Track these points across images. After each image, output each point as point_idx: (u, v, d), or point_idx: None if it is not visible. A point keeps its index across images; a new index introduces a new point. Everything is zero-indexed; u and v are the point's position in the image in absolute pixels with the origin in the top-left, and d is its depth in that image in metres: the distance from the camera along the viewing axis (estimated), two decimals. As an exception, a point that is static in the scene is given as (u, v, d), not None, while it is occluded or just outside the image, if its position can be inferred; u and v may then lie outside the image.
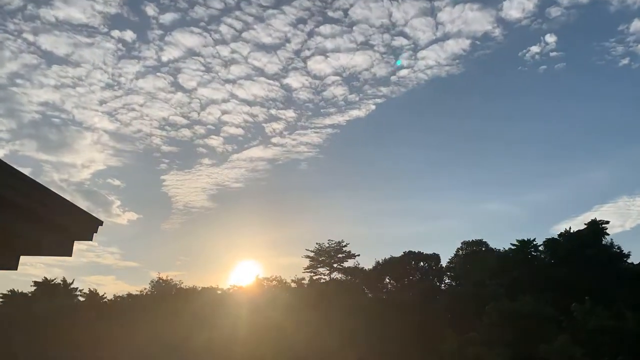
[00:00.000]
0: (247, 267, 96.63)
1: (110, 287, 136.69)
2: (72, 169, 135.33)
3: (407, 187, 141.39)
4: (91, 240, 4.55)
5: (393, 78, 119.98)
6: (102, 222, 4.57)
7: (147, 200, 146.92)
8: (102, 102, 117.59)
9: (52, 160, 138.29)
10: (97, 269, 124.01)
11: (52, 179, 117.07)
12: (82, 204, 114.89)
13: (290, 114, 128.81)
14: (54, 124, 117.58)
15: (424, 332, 54.35)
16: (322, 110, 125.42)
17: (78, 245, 4.92)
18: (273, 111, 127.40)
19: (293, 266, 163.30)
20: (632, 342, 40.91)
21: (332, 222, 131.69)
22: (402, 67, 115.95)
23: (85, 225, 4.43)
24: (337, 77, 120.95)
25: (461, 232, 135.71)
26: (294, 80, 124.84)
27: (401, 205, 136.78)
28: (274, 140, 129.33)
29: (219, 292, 73.91)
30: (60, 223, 4.21)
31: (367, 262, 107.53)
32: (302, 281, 74.83)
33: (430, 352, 50.78)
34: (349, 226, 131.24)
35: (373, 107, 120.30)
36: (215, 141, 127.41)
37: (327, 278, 75.34)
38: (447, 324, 53.70)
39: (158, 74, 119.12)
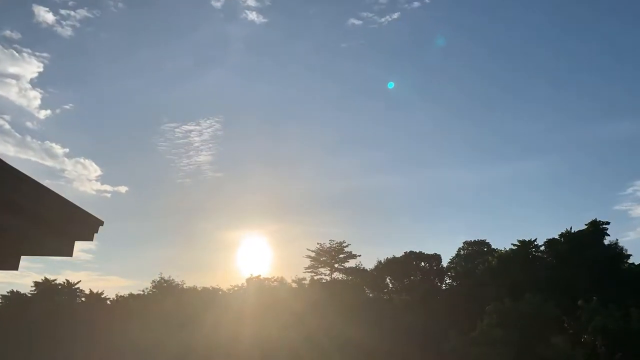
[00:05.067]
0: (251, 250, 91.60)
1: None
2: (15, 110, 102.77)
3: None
4: (92, 240, 4.55)
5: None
6: (103, 222, 4.57)
7: (130, 158, 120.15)
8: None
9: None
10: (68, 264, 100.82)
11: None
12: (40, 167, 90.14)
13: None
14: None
15: (426, 332, 54.32)
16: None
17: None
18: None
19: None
20: (635, 342, 40.84)
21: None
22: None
23: (86, 225, 4.43)
24: None
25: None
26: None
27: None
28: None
29: (220, 292, 74.01)
30: (61, 223, 4.21)
31: (369, 260, 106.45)
32: (303, 281, 74.92)
33: (432, 352, 50.78)
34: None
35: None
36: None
37: (328, 278, 75.40)
38: (449, 324, 53.66)
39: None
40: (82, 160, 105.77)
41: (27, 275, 79.48)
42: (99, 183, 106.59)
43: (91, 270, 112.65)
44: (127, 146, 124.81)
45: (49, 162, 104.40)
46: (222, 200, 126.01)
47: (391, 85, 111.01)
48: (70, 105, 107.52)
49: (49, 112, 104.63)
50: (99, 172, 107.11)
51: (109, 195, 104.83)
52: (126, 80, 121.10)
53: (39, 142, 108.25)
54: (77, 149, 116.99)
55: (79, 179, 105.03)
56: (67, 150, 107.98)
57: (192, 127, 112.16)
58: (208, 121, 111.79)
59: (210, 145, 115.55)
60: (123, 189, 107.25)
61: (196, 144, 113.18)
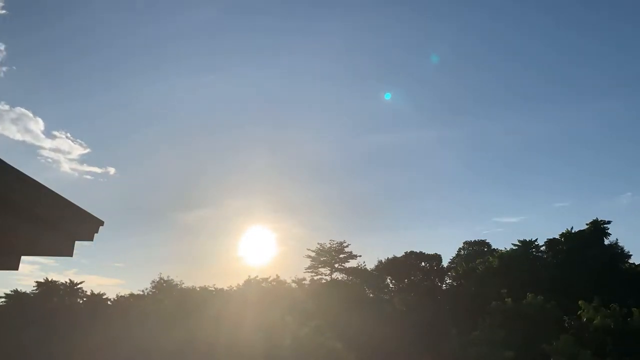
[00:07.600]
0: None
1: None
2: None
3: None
4: (92, 240, 4.54)
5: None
6: (103, 222, 4.56)
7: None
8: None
9: None
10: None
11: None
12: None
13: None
14: None
15: (426, 333, 54.27)
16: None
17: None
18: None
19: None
20: (636, 342, 40.82)
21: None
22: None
23: (86, 225, 4.42)
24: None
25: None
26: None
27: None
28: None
29: (221, 292, 74.00)
30: (61, 223, 4.20)
31: (369, 261, 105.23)
32: (303, 281, 74.92)
33: (432, 352, 50.71)
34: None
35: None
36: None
37: (329, 278, 75.36)
38: (449, 324, 53.61)
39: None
40: (59, 133, 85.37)
41: (21, 274, 74.27)
42: (82, 163, 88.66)
43: (79, 267, 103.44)
44: (113, 114, 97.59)
45: (18, 136, 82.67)
46: (220, 188, 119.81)
47: (388, 96, 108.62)
48: (37, 57, 76.87)
49: (14, 68, 77.16)
50: (81, 150, 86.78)
51: (92, 177, 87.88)
52: (105, 16, 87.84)
53: (6, 108, 78.93)
54: (52, 119, 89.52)
55: (57, 159, 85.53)
56: (39, 119, 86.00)
57: (185, 95, 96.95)
58: (206, 77, 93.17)
59: (206, 114, 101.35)
60: (111, 170, 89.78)
61: (193, 117, 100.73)
